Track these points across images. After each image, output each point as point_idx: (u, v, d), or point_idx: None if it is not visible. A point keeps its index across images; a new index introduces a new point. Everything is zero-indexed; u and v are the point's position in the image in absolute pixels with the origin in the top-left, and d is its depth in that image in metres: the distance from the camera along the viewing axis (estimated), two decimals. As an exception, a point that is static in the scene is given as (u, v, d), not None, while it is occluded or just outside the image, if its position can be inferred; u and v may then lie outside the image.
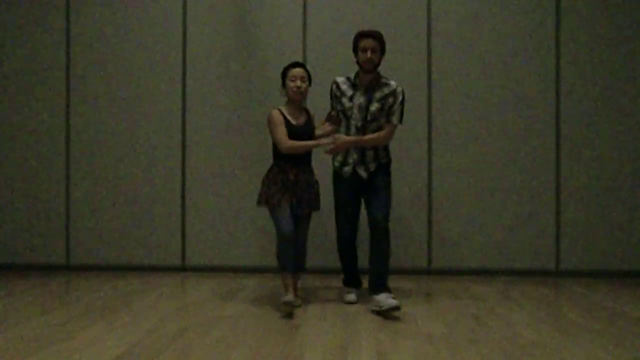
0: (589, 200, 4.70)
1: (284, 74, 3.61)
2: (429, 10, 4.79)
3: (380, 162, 3.65)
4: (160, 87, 4.91)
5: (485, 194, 4.74)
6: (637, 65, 4.70)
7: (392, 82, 3.61)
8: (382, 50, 3.57)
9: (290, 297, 3.31)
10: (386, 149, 3.69)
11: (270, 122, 3.55)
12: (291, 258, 3.47)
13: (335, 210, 3.73)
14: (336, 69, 4.82)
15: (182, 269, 4.90)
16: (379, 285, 3.46)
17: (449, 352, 2.62)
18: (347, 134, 3.63)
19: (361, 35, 3.53)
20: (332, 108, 3.73)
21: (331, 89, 3.72)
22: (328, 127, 3.70)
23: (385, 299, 3.30)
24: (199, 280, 4.51)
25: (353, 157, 3.63)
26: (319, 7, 4.84)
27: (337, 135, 3.54)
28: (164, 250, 4.89)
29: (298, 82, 3.54)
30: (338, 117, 3.68)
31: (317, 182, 3.69)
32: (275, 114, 3.58)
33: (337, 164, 3.70)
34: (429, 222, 4.76)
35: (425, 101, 4.78)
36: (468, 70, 4.77)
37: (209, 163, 4.88)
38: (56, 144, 4.95)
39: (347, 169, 3.65)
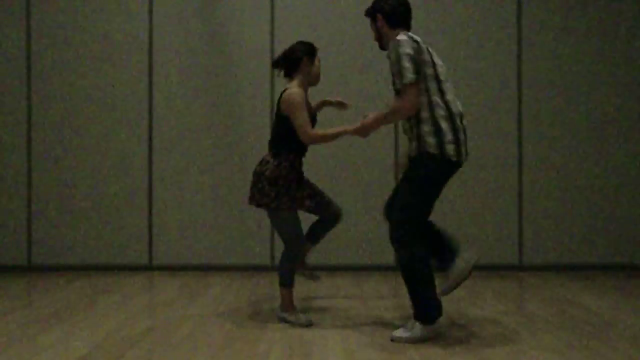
0: (550, 196, 4.82)
1: (312, 54, 3.13)
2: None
3: (418, 150, 2.82)
4: (126, 84, 4.84)
5: (449, 190, 4.81)
6: (596, 61, 4.84)
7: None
8: (374, 18, 2.95)
9: (305, 317, 3.12)
10: (427, 133, 2.77)
11: (293, 103, 2.96)
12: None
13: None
14: (303, 66, 4.82)
15: (149, 268, 4.85)
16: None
17: (413, 347, 2.67)
18: None
19: None
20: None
21: None
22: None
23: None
24: (166, 279, 4.47)
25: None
26: (287, 1, 4.83)
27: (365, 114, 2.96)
28: (130, 249, 4.83)
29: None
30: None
31: None
32: (300, 93, 2.99)
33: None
34: (396, 218, 4.82)
35: (382, 98, 4.83)
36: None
37: (176, 160, 4.84)
38: (17, 142, 4.83)
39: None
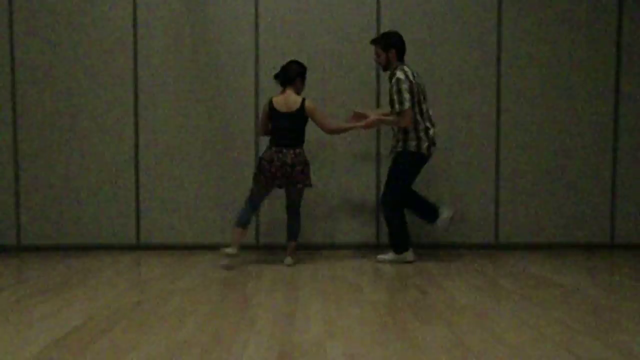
0: (524, 180, 5.02)
1: (304, 74, 4.26)
2: (378, 3, 4.95)
3: (397, 149, 4.27)
4: (111, 66, 4.92)
5: (428, 172, 4.99)
6: (569, 59, 5.01)
7: (397, 72, 4.13)
8: (385, 48, 4.17)
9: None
10: (411, 138, 4.18)
11: (316, 107, 4.19)
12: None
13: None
14: (288, 59, 4.93)
15: (137, 247, 4.97)
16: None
17: (390, 316, 2.84)
18: None
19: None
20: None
21: None
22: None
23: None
24: (154, 257, 4.60)
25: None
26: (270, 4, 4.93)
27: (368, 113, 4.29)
28: (118, 229, 4.94)
29: None
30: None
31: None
32: (311, 100, 4.43)
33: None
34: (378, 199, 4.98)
35: (374, 93, 4.97)
36: (415, 62, 4.96)
37: (162, 141, 4.94)
38: (4, 120, 4.89)
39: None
